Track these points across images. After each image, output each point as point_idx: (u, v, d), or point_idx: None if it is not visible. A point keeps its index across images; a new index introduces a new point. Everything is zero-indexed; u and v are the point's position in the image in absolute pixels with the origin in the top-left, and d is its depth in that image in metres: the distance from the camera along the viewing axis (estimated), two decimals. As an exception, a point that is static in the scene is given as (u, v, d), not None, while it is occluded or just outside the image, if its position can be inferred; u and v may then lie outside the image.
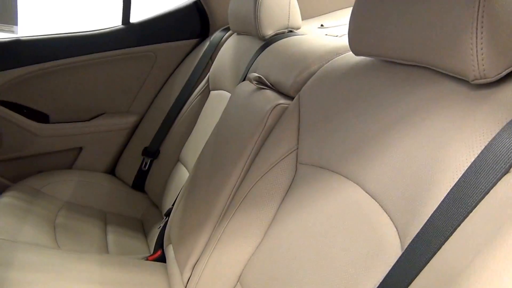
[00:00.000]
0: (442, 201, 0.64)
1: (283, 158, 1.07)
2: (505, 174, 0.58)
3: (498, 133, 0.63)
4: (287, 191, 1.04)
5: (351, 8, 0.96)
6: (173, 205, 1.53)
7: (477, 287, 0.50)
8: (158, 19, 2.10)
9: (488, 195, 0.59)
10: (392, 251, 0.72)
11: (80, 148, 2.07)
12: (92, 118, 2.06)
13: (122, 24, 2.06)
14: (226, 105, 1.52)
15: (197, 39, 2.14)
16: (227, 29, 1.99)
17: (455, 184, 0.64)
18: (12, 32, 1.89)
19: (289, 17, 1.58)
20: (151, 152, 2.00)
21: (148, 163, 1.99)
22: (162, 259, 1.44)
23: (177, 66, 2.13)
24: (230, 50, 1.80)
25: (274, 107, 1.16)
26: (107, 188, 1.98)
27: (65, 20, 2.69)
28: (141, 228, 1.85)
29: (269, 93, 1.25)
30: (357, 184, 0.84)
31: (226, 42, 1.89)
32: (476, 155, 0.64)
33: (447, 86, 0.76)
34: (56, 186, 1.87)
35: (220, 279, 1.07)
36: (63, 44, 1.95)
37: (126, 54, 2.03)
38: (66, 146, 2.04)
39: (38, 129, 1.97)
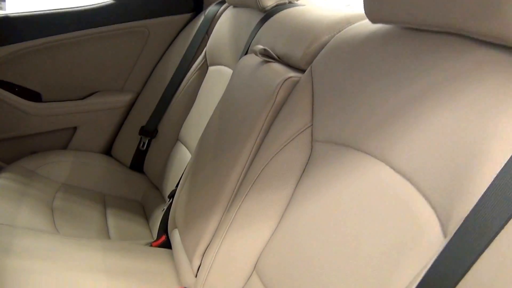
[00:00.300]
0: (496, 177, 0.56)
1: (296, 136, 1.00)
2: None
3: None
4: (303, 171, 0.97)
5: None
6: (176, 186, 1.47)
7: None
8: (150, -7, 2.04)
9: None
10: (432, 237, 0.64)
11: (75, 128, 2.02)
12: (85, 97, 2.01)
13: (113, -1, 2.00)
14: (228, 80, 1.47)
15: (191, 14, 2.07)
16: (222, 3, 1.93)
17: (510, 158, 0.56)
18: (0, 8, 1.86)
19: None
20: (149, 132, 1.95)
21: (146, 143, 1.94)
22: (167, 244, 1.38)
23: (172, 42, 2.07)
24: (227, 23, 1.74)
25: (284, 80, 1.08)
26: (105, 169, 1.93)
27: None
28: (142, 210, 1.80)
29: (277, 66, 1.18)
30: (384, 162, 0.77)
31: (222, 16, 1.83)
32: None
33: (486, 54, 0.69)
34: (51, 167, 1.81)
35: (233, 267, 1.00)
36: (53, 20, 1.89)
37: (118, 30, 1.97)
38: (59, 125, 1.99)
39: (31, 108, 1.91)
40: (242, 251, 0.99)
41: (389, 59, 0.85)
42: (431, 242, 0.64)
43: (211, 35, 1.84)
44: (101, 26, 1.93)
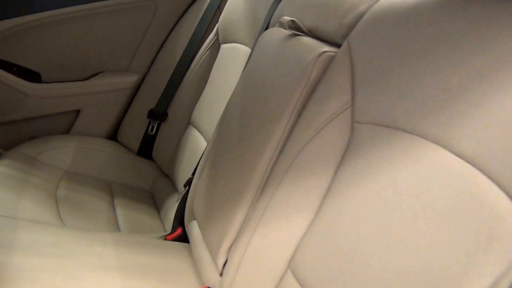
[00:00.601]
0: None
1: (335, 117, 0.93)
2: None
3: None
4: (342, 156, 0.90)
5: None
6: (193, 174, 1.42)
7: None
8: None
9: None
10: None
11: (78, 111, 1.98)
12: (89, 77, 1.95)
13: (117, -29, 1.93)
14: (244, 59, 1.44)
15: (200, -13, 2.03)
16: None
17: None
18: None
19: None
20: (158, 115, 1.91)
21: (155, 127, 1.91)
22: (182, 238, 1.33)
23: (180, 18, 2.02)
24: (242, -4, 1.68)
25: (319, 55, 1.01)
26: (110, 155, 1.90)
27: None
28: (151, 200, 1.77)
29: (308, 40, 1.10)
30: (443, 146, 0.70)
31: (236, -13, 1.77)
32: None
33: None
34: (53, 154, 1.78)
35: (265, 265, 0.93)
36: (53, -7, 1.83)
37: (123, 5, 1.91)
38: (61, 108, 1.95)
39: (30, 89, 1.85)
40: (275, 247, 0.93)
41: (445, 29, 0.77)
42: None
43: (224, 9, 1.80)
44: (105, 0, 1.87)
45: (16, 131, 1.91)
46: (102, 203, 1.60)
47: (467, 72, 0.70)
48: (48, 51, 1.88)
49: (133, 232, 1.48)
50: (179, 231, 1.36)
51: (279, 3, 1.38)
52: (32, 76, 1.88)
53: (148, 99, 1.95)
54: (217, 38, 1.80)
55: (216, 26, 1.83)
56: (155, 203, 1.75)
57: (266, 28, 1.39)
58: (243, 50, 1.57)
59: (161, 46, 2.03)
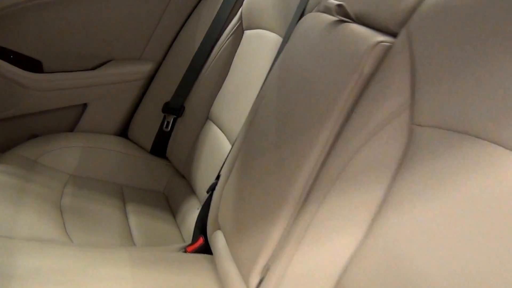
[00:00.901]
0: None
1: (392, 119, 0.88)
2: None
3: None
4: (400, 163, 0.86)
5: None
6: (217, 178, 1.39)
7: None
8: None
9: None
10: None
11: (84, 105, 1.96)
12: (97, 67, 1.94)
13: None
14: (272, 47, 1.44)
15: (223, -36, 2.02)
16: None
17: None
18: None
19: None
20: (174, 109, 1.90)
21: (170, 123, 1.90)
22: (204, 248, 1.33)
23: (200, 0, 2.01)
24: (271, -26, 1.65)
25: (374, 46, 0.95)
26: (121, 155, 1.89)
27: None
28: (166, 203, 1.77)
29: (358, 28, 1.04)
30: None
31: (264, -34, 1.75)
32: None
33: None
34: (56, 155, 1.76)
35: (310, 286, 0.90)
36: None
37: None
38: (65, 102, 1.93)
39: (29, 80, 1.82)
40: (321, 266, 0.90)
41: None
42: None
43: (249, -10, 1.78)
44: None
45: (13, 129, 1.89)
46: (113, 210, 1.58)
47: None
48: (51, 35, 1.84)
49: (149, 243, 1.46)
50: (201, 241, 1.35)
51: (316, -17, 1.34)
52: (32, 64, 1.85)
53: (163, 91, 1.94)
54: (241, 23, 1.78)
55: (240, 10, 1.81)
56: (170, 207, 1.74)
57: (302, 14, 1.35)
58: (271, 37, 1.54)
59: (179, 32, 2.01)
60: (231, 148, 1.38)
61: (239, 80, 1.64)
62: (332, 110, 0.97)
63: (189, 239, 1.44)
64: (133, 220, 1.56)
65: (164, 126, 1.90)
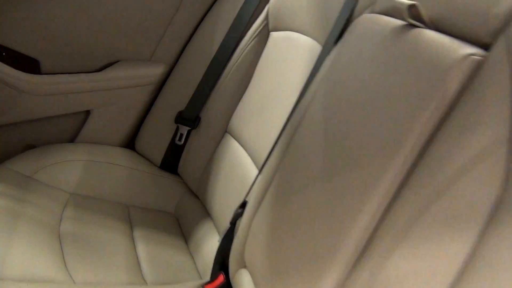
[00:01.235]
0: None
1: (485, 155, 0.77)
2: None
3: None
4: (494, 212, 0.75)
5: None
6: (241, 207, 1.31)
7: None
8: None
9: None
10: None
11: (87, 112, 1.89)
12: (102, 68, 1.86)
13: None
14: (308, 52, 1.37)
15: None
16: None
17: None
18: None
19: None
20: (189, 119, 1.82)
21: (184, 135, 1.82)
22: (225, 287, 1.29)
23: None
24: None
25: (463, 60, 0.83)
26: (127, 170, 1.82)
27: None
28: (177, 226, 1.70)
29: (437, 36, 0.92)
30: None
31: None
32: None
33: None
34: (55, 171, 1.68)
35: None
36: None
37: None
38: (66, 109, 1.85)
39: (25, 83, 1.72)
40: None
41: None
42: None
43: (277, -14, 1.69)
44: None
45: (5, 139, 1.82)
46: (119, 237, 1.50)
47: None
48: (50, 30, 1.75)
49: (160, 279, 1.39)
50: (221, 279, 1.29)
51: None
52: (29, 64, 1.75)
53: (176, 99, 1.88)
54: (267, 23, 1.71)
55: (266, 8, 1.73)
56: (181, 230, 1.68)
57: (350, 16, 1.24)
58: (305, 41, 1.45)
59: (195, 30, 1.95)
60: (259, 172, 1.30)
61: (265, 90, 1.56)
62: (405, 139, 0.85)
63: (204, 272, 1.41)
64: (141, 250, 1.48)
65: (177, 138, 1.84)
